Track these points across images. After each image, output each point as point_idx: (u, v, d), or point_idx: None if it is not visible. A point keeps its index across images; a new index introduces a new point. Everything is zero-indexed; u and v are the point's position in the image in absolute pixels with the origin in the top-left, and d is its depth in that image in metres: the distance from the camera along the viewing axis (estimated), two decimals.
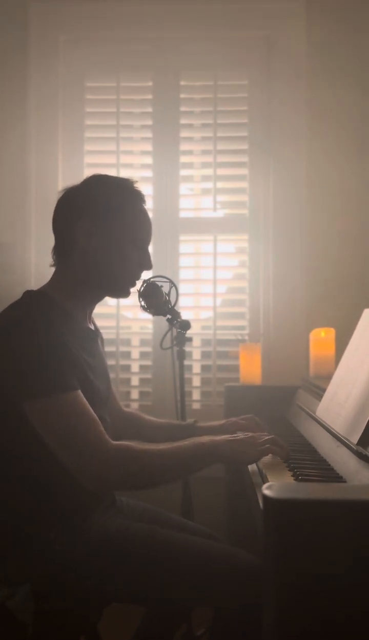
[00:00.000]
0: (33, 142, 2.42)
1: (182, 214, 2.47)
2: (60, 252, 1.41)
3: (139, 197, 1.42)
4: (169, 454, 1.27)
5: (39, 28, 2.41)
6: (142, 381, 2.48)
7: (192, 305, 2.50)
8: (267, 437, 1.35)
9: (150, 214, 1.47)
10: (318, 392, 1.81)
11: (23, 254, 2.39)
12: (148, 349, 2.46)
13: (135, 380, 2.48)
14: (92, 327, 1.47)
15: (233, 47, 2.45)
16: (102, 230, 1.37)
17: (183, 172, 2.48)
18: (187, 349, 1.77)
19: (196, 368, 2.46)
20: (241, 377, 2.27)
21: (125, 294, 1.46)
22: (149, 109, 2.48)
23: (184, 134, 2.47)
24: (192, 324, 1.83)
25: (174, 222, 2.46)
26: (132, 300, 1.64)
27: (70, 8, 2.41)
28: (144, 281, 1.61)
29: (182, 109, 2.47)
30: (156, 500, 1.60)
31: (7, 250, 2.41)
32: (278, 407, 2.10)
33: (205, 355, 2.47)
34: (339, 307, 2.31)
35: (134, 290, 1.52)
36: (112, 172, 1.49)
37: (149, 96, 2.48)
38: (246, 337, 2.37)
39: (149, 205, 1.49)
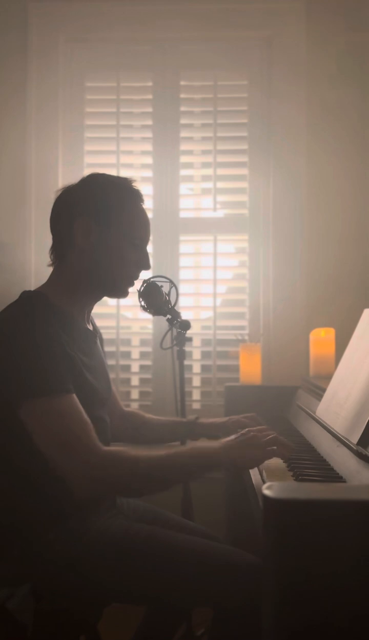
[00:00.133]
0: (33, 142, 2.42)
1: (182, 214, 2.47)
2: (58, 252, 1.40)
3: (137, 196, 1.41)
4: (164, 460, 1.23)
5: (39, 28, 2.41)
6: (142, 381, 2.48)
7: (192, 305, 2.50)
8: (269, 437, 1.30)
9: (150, 214, 1.47)
10: (318, 392, 1.81)
11: (23, 254, 2.40)
12: (148, 349, 2.46)
13: (135, 380, 2.48)
14: (90, 327, 1.46)
15: (233, 47, 2.45)
16: (100, 230, 1.36)
17: (183, 172, 2.48)
18: (187, 349, 1.77)
19: (196, 368, 2.46)
20: (241, 377, 2.28)
21: (123, 294, 1.45)
22: (149, 109, 2.48)
23: (184, 134, 2.47)
24: (192, 324, 1.83)
25: (174, 222, 2.46)
26: (132, 300, 1.64)
27: (70, 8, 2.41)
28: (144, 281, 1.61)
29: (182, 109, 2.47)
30: (156, 500, 1.59)
31: (7, 250, 2.41)
32: (278, 407, 2.10)
33: (205, 355, 2.47)
34: (339, 307, 2.31)
35: (133, 290, 1.51)
36: (112, 172, 1.48)
37: (149, 96, 2.48)
38: (246, 337, 2.37)
39: (149, 205, 1.49)
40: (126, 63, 2.47)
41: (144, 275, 1.54)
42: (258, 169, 2.45)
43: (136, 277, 1.46)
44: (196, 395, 2.45)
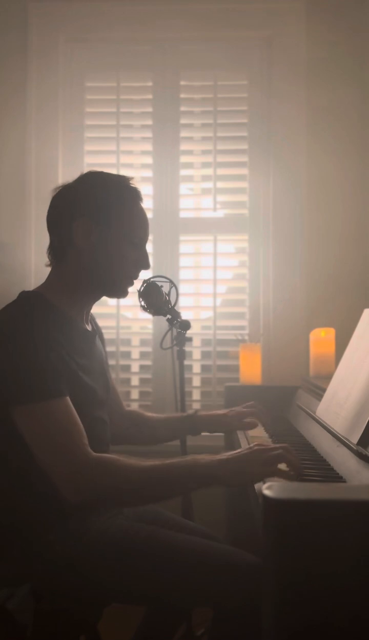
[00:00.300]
0: (33, 142, 2.42)
1: (182, 214, 2.47)
2: (57, 252, 1.39)
3: (136, 195, 1.40)
4: (157, 471, 1.19)
5: (39, 28, 2.41)
6: (142, 381, 2.48)
7: (192, 305, 2.50)
8: (274, 454, 1.20)
9: (150, 214, 1.47)
10: (318, 392, 1.81)
11: (23, 254, 2.40)
12: (148, 349, 2.46)
13: (135, 380, 2.48)
14: (89, 327, 1.46)
15: (233, 47, 2.45)
16: (99, 229, 1.34)
17: (183, 172, 2.48)
18: (187, 349, 1.77)
19: (196, 368, 2.46)
20: (241, 377, 2.28)
21: (123, 293, 1.44)
22: (149, 109, 2.48)
23: (184, 133, 2.47)
24: (192, 324, 1.83)
25: (174, 222, 2.45)
26: (132, 300, 1.64)
27: (70, 8, 2.41)
28: (144, 281, 1.61)
29: (182, 109, 2.47)
30: None
31: (7, 250, 2.41)
32: (278, 407, 2.10)
33: (205, 355, 2.47)
34: (339, 307, 2.31)
35: (133, 290, 1.51)
36: (112, 172, 1.47)
37: (149, 96, 2.48)
38: (246, 337, 2.37)
39: (149, 205, 1.49)
40: (126, 63, 2.47)
41: (144, 275, 1.53)
42: (258, 169, 2.45)
43: (136, 277, 1.45)
44: (196, 395, 2.45)
